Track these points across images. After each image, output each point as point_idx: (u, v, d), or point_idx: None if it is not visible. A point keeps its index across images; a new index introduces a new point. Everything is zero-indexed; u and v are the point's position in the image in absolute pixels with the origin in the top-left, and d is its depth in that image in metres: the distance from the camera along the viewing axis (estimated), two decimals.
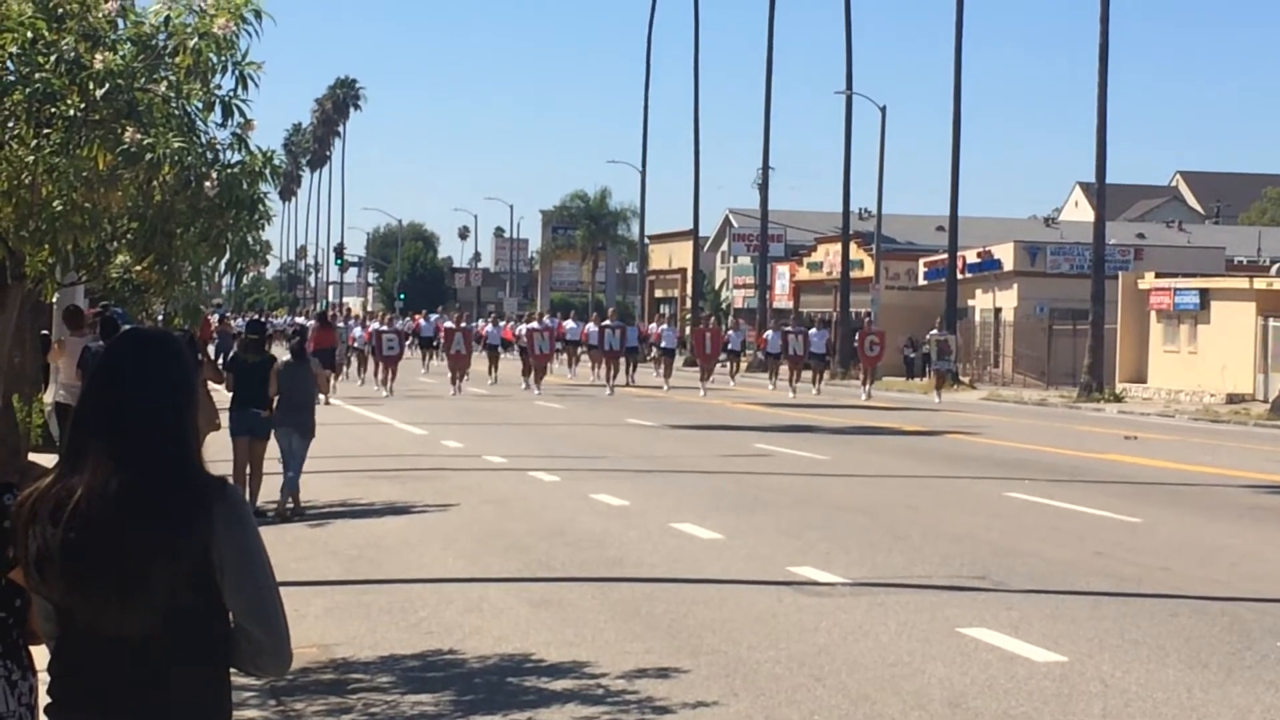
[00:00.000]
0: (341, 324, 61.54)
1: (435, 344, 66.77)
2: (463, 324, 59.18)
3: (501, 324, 68.80)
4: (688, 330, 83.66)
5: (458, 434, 36.33)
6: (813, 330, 61.83)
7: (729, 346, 66.68)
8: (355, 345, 61.24)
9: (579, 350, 69.23)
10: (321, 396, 46.02)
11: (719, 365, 65.11)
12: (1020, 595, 16.12)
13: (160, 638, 4.85)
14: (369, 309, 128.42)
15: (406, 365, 58.74)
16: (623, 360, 61.58)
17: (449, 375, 55.66)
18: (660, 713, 11.41)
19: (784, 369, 62.28)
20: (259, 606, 4.93)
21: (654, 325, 68.93)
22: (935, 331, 59.52)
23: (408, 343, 65.15)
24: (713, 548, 19.37)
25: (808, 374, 60.21)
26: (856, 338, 60.80)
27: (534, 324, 61.75)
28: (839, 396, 58.14)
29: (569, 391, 57.42)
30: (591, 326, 66.52)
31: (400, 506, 23.26)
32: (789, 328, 63.08)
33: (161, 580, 4.80)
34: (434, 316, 76.17)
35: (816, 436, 37.79)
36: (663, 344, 64.64)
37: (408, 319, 77.37)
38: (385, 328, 57.79)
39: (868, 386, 58.39)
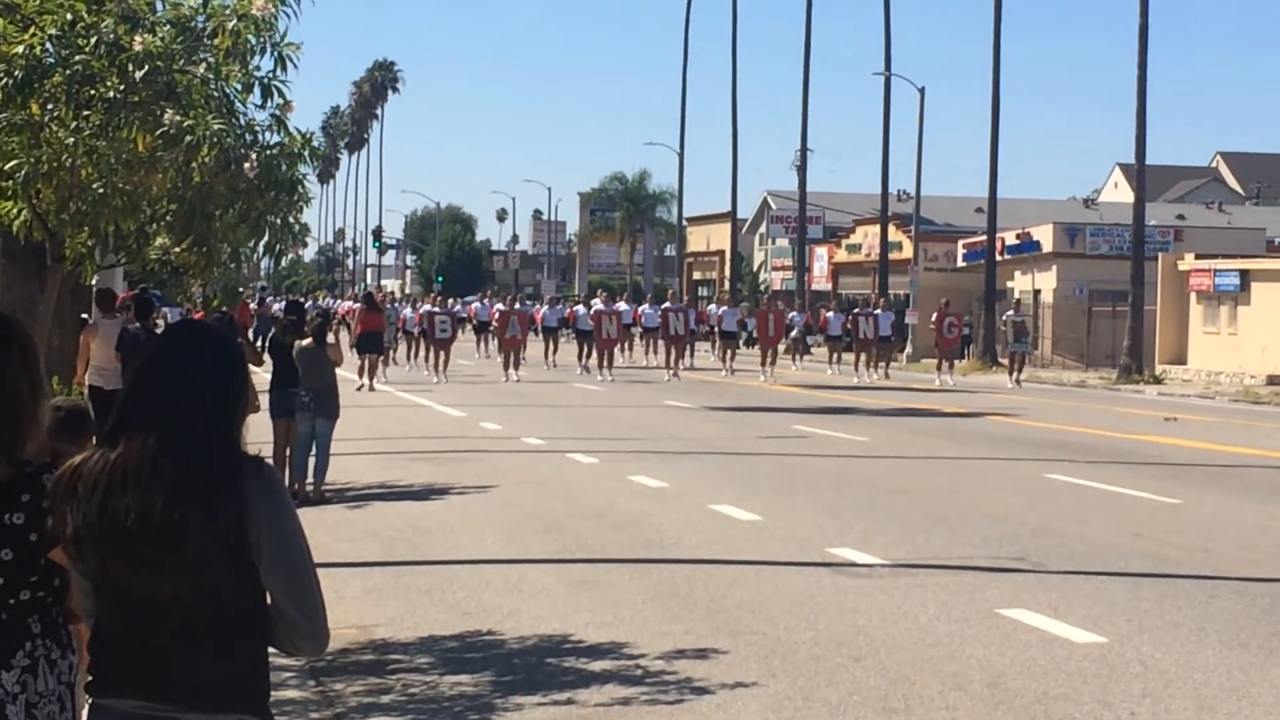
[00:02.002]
0: (390, 306, 59.05)
1: (490, 328, 63.95)
2: (516, 306, 56.65)
3: (559, 306, 65.88)
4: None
5: (496, 416, 36.36)
6: (879, 312, 59.00)
7: (792, 331, 64.08)
8: (406, 328, 59.13)
9: (633, 332, 65.55)
10: (366, 382, 45.77)
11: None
12: (1060, 576, 16.09)
13: (196, 615, 4.89)
14: (407, 291, 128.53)
15: (456, 349, 56.68)
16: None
17: (501, 360, 53.56)
18: (699, 693, 11.42)
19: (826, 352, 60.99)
20: (295, 586, 4.96)
21: (712, 307, 66.27)
22: (1011, 313, 57.37)
23: (460, 327, 61.84)
24: (751, 529, 19.37)
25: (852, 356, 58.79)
26: (934, 320, 57.62)
27: (600, 305, 58.66)
28: (907, 381, 56.63)
29: (621, 375, 55.35)
30: (646, 309, 64.31)
31: (439, 488, 23.30)
32: (857, 309, 60.87)
33: (193, 553, 4.83)
34: (486, 302, 72.91)
35: (855, 418, 37.73)
36: (723, 327, 61.24)
37: (453, 303, 73.78)
38: (437, 309, 54.95)
39: (947, 373, 55.72)
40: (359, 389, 43.68)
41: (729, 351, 60.49)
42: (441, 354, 52.47)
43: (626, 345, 65.67)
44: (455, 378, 51.73)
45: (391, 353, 54.80)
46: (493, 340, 63.37)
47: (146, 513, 4.84)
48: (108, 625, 4.99)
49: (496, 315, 57.75)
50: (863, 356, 57.82)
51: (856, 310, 61.07)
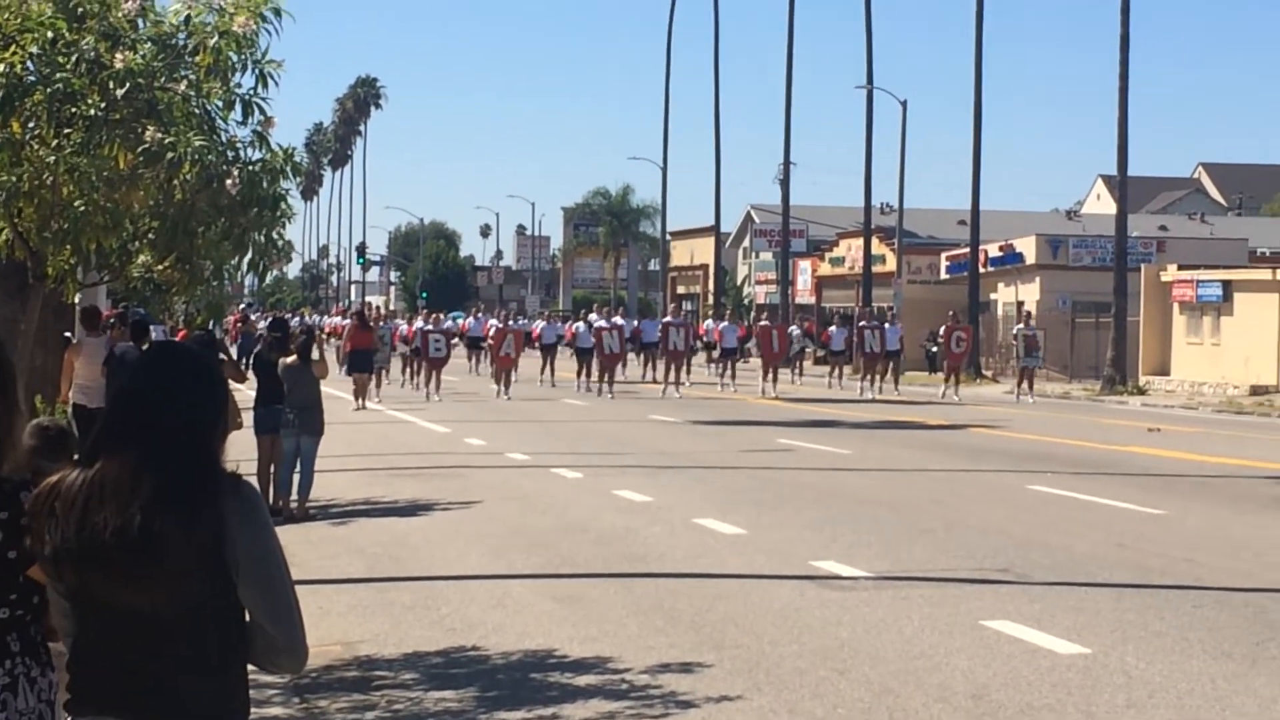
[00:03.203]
0: (382, 324, 56.33)
1: (483, 344, 62.24)
2: (510, 323, 54.80)
3: (556, 323, 63.98)
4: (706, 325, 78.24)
5: (480, 432, 36.33)
6: (886, 325, 57.44)
7: (794, 345, 62.06)
8: (399, 345, 57.07)
9: (627, 348, 61.46)
10: (360, 400, 44.91)
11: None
12: (1044, 587, 16.11)
13: (174, 633, 4.90)
14: (392, 307, 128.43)
15: (447, 367, 54.36)
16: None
17: (494, 378, 52.44)
18: (684, 707, 11.42)
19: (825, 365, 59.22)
20: (273, 603, 4.97)
21: (709, 322, 64.06)
22: (1021, 325, 55.69)
23: (454, 343, 60.33)
24: (735, 543, 19.37)
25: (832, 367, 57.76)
26: (942, 333, 55.83)
27: (601, 321, 56.74)
28: (916, 396, 55.23)
29: (618, 391, 53.64)
30: (646, 323, 63.05)
31: (423, 504, 23.29)
32: (863, 322, 59.23)
33: (171, 568, 4.85)
34: (479, 317, 70.27)
35: (839, 431, 37.75)
36: (724, 343, 59.46)
37: (443, 319, 69.99)
38: (431, 327, 53.52)
39: (953, 386, 53.94)
40: (355, 410, 43.16)
41: (729, 367, 59.12)
42: (434, 372, 51.33)
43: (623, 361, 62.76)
44: (448, 395, 50.77)
45: (385, 371, 52.68)
46: (485, 357, 62.41)
47: (124, 527, 4.85)
48: (86, 644, 5.00)
49: (491, 332, 56.08)
50: (877, 371, 56.36)
51: (862, 323, 59.27)
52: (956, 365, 55.77)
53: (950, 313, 58.10)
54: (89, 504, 4.89)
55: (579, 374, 56.00)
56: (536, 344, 60.78)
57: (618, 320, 58.95)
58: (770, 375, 55.46)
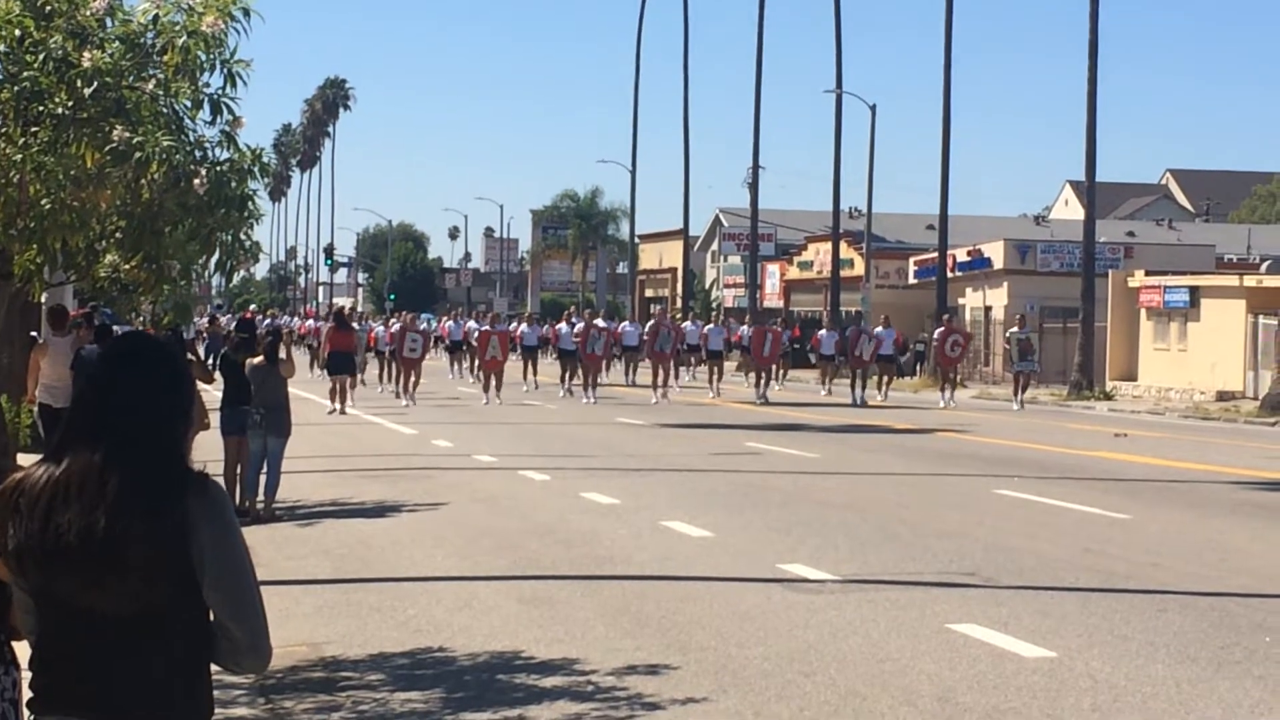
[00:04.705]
0: (358, 325, 56.01)
1: (463, 348, 61.43)
2: (495, 325, 53.32)
3: (536, 325, 62.80)
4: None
5: (448, 434, 36.30)
6: (879, 329, 55.81)
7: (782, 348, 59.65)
8: (377, 347, 56.72)
9: (613, 351, 61.02)
10: (338, 406, 44.12)
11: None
12: (1010, 591, 16.14)
13: (138, 632, 4.88)
14: (359, 309, 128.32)
15: (425, 371, 53.23)
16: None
17: (481, 383, 51.38)
18: (650, 709, 11.42)
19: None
20: (237, 603, 4.95)
21: (690, 324, 62.72)
22: (1015, 329, 54.36)
23: (433, 346, 58.87)
24: (702, 545, 19.37)
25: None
26: (936, 338, 54.84)
27: (581, 322, 55.61)
28: (899, 402, 53.86)
29: (599, 395, 52.76)
30: (627, 326, 62.72)
31: (390, 505, 23.26)
32: (853, 326, 57.84)
33: (136, 568, 4.83)
34: (459, 321, 68.56)
35: (806, 435, 37.77)
36: (710, 346, 58.52)
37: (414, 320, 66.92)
38: (410, 328, 52.00)
39: (950, 393, 52.90)
40: (330, 413, 42.49)
41: (716, 372, 58.03)
42: (411, 374, 49.93)
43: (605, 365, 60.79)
44: (424, 400, 49.47)
45: (361, 375, 52.18)
46: (465, 360, 61.56)
47: (89, 527, 4.83)
48: (49, 642, 4.98)
49: (474, 335, 54.58)
50: (872, 377, 55.26)
51: (852, 328, 57.98)
52: (950, 370, 54.90)
53: (945, 316, 58.04)
54: (54, 502, 4.87)
55: (563, 377, 55.36)
56: (518, 346, 59.78)
57: (599, 322, 57.73)
58: (761, 380, 54.68)
